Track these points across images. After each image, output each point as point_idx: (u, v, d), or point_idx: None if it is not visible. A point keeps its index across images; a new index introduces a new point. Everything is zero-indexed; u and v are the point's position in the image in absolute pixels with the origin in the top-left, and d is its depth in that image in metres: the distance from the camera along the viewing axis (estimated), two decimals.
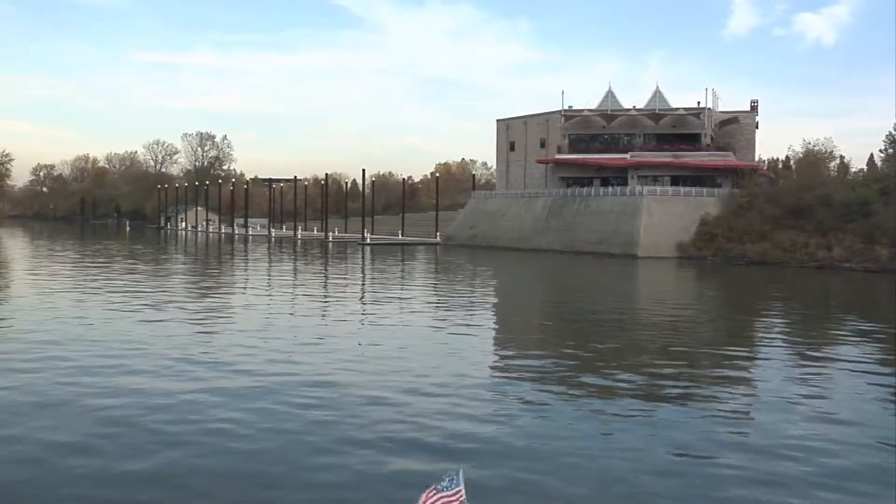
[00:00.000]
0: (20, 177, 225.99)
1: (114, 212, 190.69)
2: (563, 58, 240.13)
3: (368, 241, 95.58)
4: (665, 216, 75.01)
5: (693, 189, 79.10)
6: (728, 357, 22.16)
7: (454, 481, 7.13)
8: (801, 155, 76.20)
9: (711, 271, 61.00)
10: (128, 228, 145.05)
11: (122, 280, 42.05)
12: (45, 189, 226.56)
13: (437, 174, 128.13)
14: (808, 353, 23.43)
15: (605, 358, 21.47)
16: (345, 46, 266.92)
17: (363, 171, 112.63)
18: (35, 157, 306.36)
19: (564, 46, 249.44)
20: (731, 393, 17.50)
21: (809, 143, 76.09)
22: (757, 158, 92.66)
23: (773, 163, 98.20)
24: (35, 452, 12.22)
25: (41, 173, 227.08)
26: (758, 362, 21.97)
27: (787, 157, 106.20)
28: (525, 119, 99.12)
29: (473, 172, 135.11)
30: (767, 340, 26.42)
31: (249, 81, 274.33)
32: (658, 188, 79.23)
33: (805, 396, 17.12)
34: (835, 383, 18.97)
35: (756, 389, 18.15)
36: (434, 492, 7.08)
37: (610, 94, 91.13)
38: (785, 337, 27.26)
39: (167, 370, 18.32)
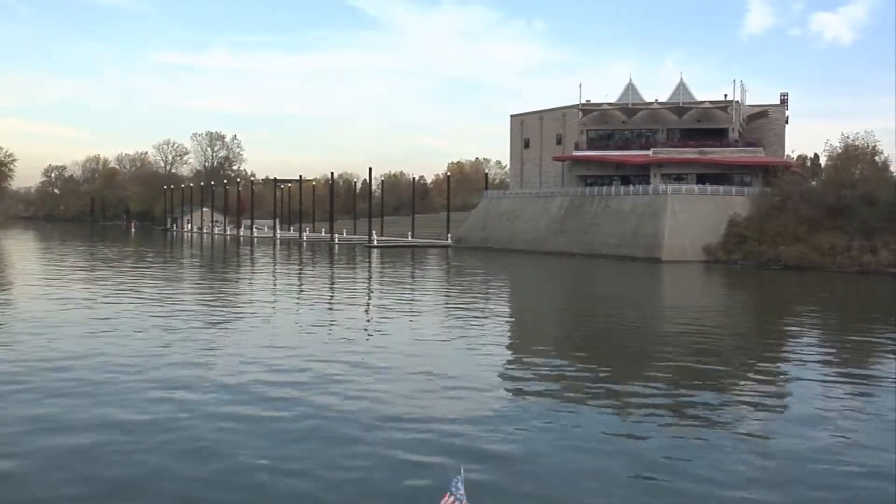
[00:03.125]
0: (34, 178, 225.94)
1: (123, 213, 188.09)
2: (579, 57, 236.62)
3: (375, 243, 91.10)
4: (691, 217, 69.75)
5: (721, 188, 73.76)
6: (759, 374, 20.41)
7: (457, 483, 7.26)
8: (839, 150, 70.43)
9: (742, 277, 55.94)
10: (133, 230, 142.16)
11: (103, 294, 37.77)
12: (56, 190, 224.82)
13: (449, 173, 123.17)
14: (847, 371, 21.09)
15: (627, 373, 20.30)
16: (359, 47, 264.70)
17: (370, 169, 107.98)
18: (51, 159, 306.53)
19: (580, 46, 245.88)
20: (759, 414, 16.29)
21: (848, 138, 70.37)
22: (786, 155, 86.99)
23: (802, 160, 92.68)
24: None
25: (52, 174, 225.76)
26: (791, 381, 19.78)
27: (815, 155, 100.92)
28: (540, 114, 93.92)
29: (486, 171, 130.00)
30: (805, 357, 22.96)
31: (264, 82, 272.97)
32: (683, 187, 73.88)
33: (835, 421, 15.46)
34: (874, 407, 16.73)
35: (786, 410, 16.74)
36: (451, 498, 7.19)
37: (630, 87, 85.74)
38: (824, 353, 24.20)
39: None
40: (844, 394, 18.05)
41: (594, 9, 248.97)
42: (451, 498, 7.25)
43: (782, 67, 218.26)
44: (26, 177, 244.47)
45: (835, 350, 25.00)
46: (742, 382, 19.47)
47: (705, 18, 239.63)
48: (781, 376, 20.62)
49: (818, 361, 22.35)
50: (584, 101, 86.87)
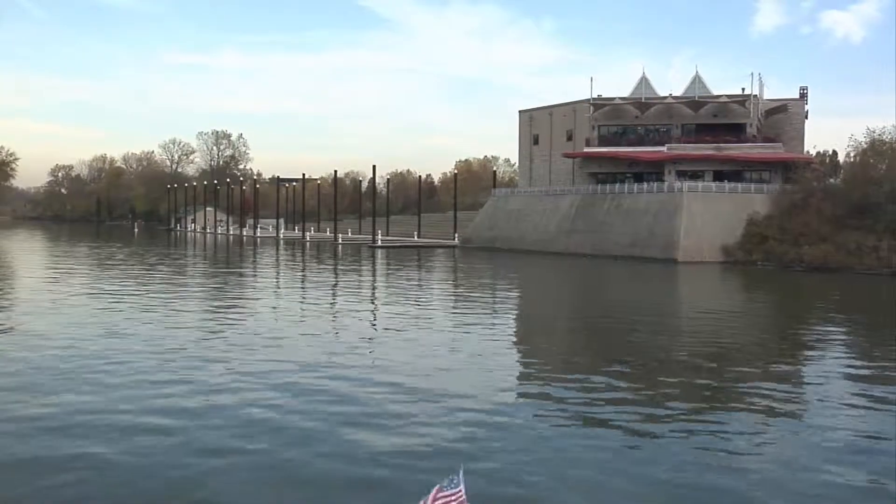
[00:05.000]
0: (43, 178, 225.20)
1: (129, 213, 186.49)
2: (589, 57, 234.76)
3: (380, 243, 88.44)
4: (708, 216, 66.56)
5: (739, 185, 70.52)
6: (784, 385, 18.56)
7: (455, 481, 7.03)
8: (864, 145, 67.09)
9: (764, 278, 52.82)
10: (135, 230, 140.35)
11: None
12: (63, 190, 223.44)
13: (457, 172, 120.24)
14: (874, 383, 18.76)
15: (641, 382, 18.76)
16: (370, 47, 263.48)
17: (373, 167, 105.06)
18: (62, 159, 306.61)
19: (589, 46, 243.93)
20: (781, 428, 14.92)
21: (874, 132, 67.05)
22: (806, 151, 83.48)
23: (821, 156, 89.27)
24: None
25: (59, 174, 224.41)
26: (819, 393, 17.73)
27: (833, 152, 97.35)
28: (550, 109, 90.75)
29: (494, 169, 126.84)
30: (835, 368, 20.76)
31: (274, 82, 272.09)
32: (699, 184, 70.59)
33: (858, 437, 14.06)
34: None
35: (809, 423, 15.21)
36: (439, 492, 7.00)
37: (644, 81, 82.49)
38: (854, 363, 21.84)
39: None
40: (870, 405, 16.33)
41: (603, 8, 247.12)
42: (443, 493, 7.01)
43: (793, 66, 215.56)
44: (35, 177, 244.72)
45: (864, 361, 22.14)
46: (766, 393, 17.49)
47: (715, 17, 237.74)
48: (808, 388, 18.56)
49: (847, 371, 20.06)
50: (595, 96, 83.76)
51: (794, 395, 17.68)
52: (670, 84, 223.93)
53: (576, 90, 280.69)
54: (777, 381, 18.77)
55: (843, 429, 14.38)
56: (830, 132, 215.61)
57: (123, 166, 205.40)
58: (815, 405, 16.46)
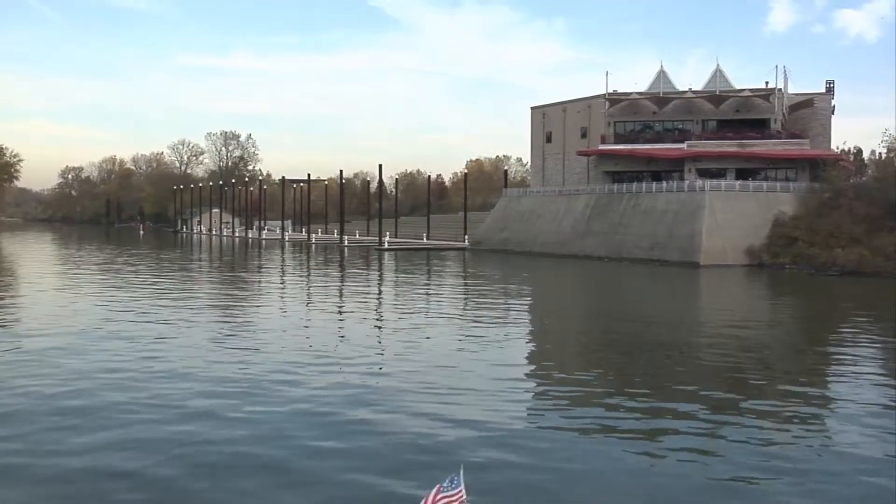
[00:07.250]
0: (54, 179, 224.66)
1: (138, 214, 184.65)
2: (601, 57, 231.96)
3: (387, 245, 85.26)
4: (731, 216, 62.81)
5: (764, 183, 66.71)
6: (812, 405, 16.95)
7: (455, 481, 7.14)
8: None
9: (794, 283, 49.17)
10: (141, 232, 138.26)
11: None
12: (73, 192, 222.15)
13: (467, 171, 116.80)
14: None
15: (659, 398, 17.43)
16: (381, 48, 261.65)
17: (380, 166, 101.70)
18: (72, 161, 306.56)
19: (602, 46, 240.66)
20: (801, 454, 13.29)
21: None
22: (836, 148, 79.39)
23: (847, 153, 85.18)
24: None
25: (69, 175, 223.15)
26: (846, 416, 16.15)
27: (857, 150, 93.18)
28: (564, 105, 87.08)
29: (506, 169, 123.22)
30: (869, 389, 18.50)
31: (285, 83, 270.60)
32: (722, 183, 66.81)
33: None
34: None
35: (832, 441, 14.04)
36: (439, 491, 7.06)
37: (662, 75, 78.67)
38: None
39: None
40: None
41: (615, 8, 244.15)
42: (443, 492, 7.03)
43: (807, 65, 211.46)
44: (46, 179, 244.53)
45: None
46: (789, 416, 15.96)
47: (727, 17, 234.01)
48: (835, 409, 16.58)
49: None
50: (610, 91, 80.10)
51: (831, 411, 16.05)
52: (687, 84, 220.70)
53: (589, 90, 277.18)
54: (817, 391, 17.45)
55: None
56: (846, 131, 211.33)
57: (133, 168, 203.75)
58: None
